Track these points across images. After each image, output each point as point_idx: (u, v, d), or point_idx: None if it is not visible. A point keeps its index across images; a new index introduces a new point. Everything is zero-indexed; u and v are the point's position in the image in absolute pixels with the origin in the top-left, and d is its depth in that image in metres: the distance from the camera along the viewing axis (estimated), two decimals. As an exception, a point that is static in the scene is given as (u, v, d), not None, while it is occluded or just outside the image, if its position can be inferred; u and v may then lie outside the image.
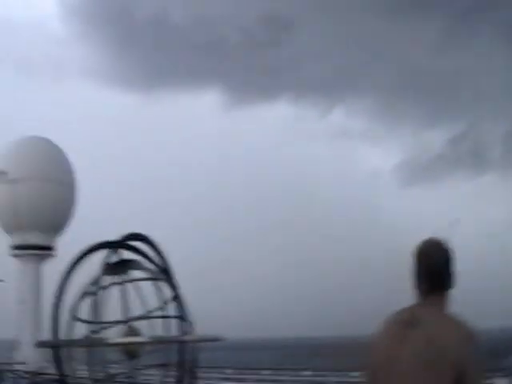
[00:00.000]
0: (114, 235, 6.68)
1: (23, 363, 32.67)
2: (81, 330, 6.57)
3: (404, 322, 2.85)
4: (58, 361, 6.37)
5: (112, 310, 6.81)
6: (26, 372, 28.56)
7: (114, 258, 6.61)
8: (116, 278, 6.71)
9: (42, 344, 6.73)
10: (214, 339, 6.35)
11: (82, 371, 7.90)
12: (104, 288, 6.53)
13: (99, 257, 6.52)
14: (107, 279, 6.63)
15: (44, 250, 33.63)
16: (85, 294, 6.43)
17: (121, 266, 6.66)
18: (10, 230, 33.72)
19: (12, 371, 30.01)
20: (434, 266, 2.91)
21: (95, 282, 6.35)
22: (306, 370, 26.02)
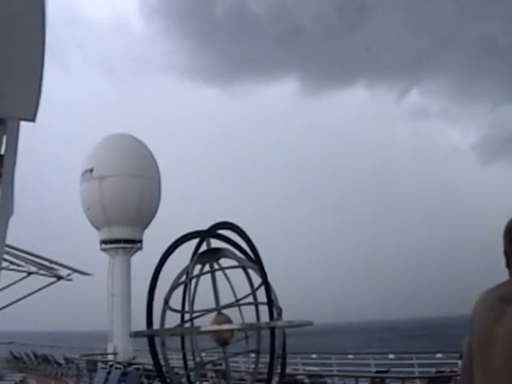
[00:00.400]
0: (199, 226, 6.83)
1: (115, 354, 33.84)
2: (173, 320, 6.76)
3: (500, 298, 2.83)
4: (152, 350, 6.58)
5: (203, 298, 6.99)
6: (118, 362, 29.56)
7: (204, 247, 6.78)
8: (206, 267, 6.88)
9: (136, 334, 6.95)
10: (304, 324, 6.42)
11: (175, 359, 8.12)
12: (195, 277, 6.70)
13: (189, 246, 6.69)
14: (198, 268, 6.79)
15: (132, 244, 34.72)
16: (176, 283, 6.62)
17: (211, 255, 6.82)
18: (98, 226, 34.99)
19: (105, 362, 31.13)
20: None
21: (186, 272, 6.52)
22: (389, 353, 25.92)
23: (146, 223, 35.64)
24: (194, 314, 6.70)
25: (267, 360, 6.24)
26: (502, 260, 3.03)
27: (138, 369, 26.51)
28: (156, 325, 6.51)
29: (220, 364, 17.19)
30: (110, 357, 34.00)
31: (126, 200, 33.69)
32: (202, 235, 6.70)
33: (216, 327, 6.43)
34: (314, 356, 28.72)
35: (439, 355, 23.90)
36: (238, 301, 6.93)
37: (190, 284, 6.48)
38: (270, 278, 6.34)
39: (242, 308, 6.95)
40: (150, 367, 22.96)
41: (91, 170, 34.36)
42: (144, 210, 34.71)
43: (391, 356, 25.79)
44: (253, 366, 7.18)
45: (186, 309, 6.68)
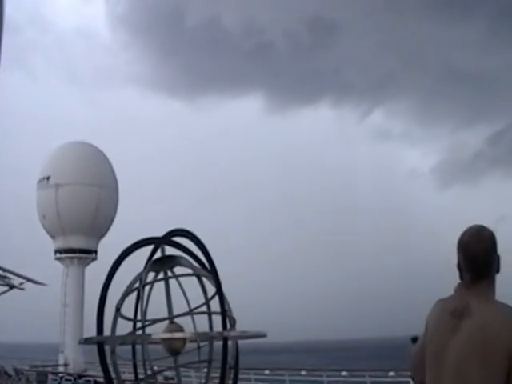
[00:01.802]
0: (155, 234, 6.75)
1: (66, 365, 33.23)
2: (126, 329, 6.64)
3: (454, 311, 2.84)
4: (102, 358, 6.45)
5: (156, 306, 6.88)
6: (69, 374, 29.05)
7: (158, 255, 6.69)
8: (160, 275, 6.79)
9: (86, 340, 6.81)
10: (258, 335, 6.36)
11: (127, 373, 7.95)
12: (148, 284, 6.60)
13: (143, 253, 6.60)
14: (151, 276, 6.70)
15: (87, 254, 34.15)
16: (130, 289, 6.51)
17: (165, 262, 6.74)
18: (53, 234, 34.33)
19: (55, 373, 30.55)
20: (477, 254, 2.90)
21: (139, 279, 6.42)
22: (342, 370, 25.94)
23: (102, 233, 35.14)
24: (146, 323, 6.59)
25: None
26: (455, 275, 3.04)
27: (88, 381, 26.11)
28: (107, 333, 6.39)
29: (172, 378, 16.99)
30: (61, 368, 33.43)
31: (83, 209, 33.22)
32: (157, 242, 6.60)
33: (167, 335, 6.34)
34: (267, 372, 28.57)
35: (391, 373, 23.98)
36: (191, 310, 6.85)
37: (143, 291, 6.38)
38: (227, 293, 6.27)
39: (196, 319, 6.87)
40: (101, 380, 22.55)
41: (48, 178, 33.83)
42: (100, 220, 34.25)
43: (344, 373, 25.81)
44: (208, 376, 7.07)
45: (139, 317, 6.57)
